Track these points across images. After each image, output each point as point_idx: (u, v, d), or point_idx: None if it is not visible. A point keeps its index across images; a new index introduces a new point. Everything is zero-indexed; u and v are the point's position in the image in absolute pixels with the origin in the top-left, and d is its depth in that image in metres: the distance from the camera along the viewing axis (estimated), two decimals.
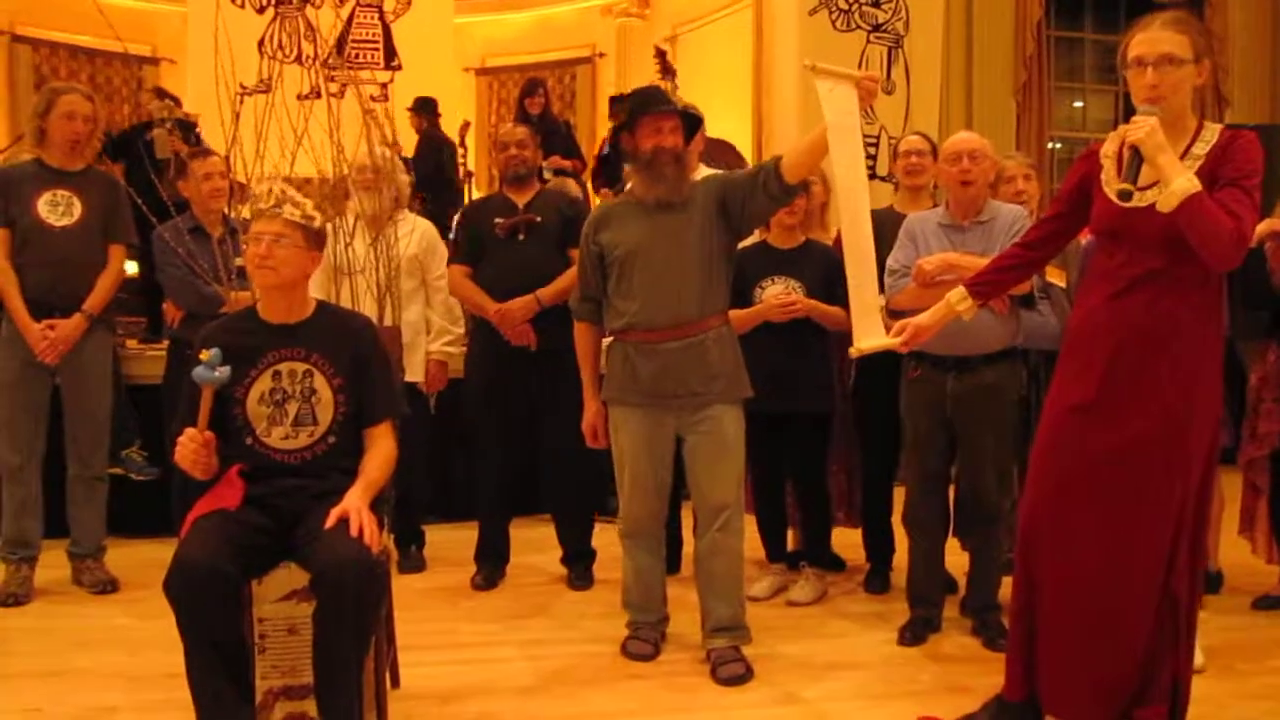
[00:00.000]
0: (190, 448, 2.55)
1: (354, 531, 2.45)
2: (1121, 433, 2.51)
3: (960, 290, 2.80)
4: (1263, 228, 3.80)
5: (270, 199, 2.68)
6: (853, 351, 2.94)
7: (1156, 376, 2.49)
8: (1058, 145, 8.17)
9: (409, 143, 6.94)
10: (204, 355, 2.53)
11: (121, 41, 5.53)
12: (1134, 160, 2.40)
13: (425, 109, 7.74)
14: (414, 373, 4.37)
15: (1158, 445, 2.49)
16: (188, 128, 6.22)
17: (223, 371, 2.54)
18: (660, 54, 7.46)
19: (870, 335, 2.93)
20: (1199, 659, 3.27)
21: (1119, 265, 2.52)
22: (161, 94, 6.89)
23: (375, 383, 2.75)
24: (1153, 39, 2.46)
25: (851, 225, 3.02)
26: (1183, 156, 2.46)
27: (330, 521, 2.48)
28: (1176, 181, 2.32)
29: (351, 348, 2.72)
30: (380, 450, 2.72)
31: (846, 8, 7.12)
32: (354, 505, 2.51)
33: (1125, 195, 2.41)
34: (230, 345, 2.60)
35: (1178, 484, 2.50)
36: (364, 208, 3.97)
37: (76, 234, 3.96)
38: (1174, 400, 2.48)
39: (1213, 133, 2.50)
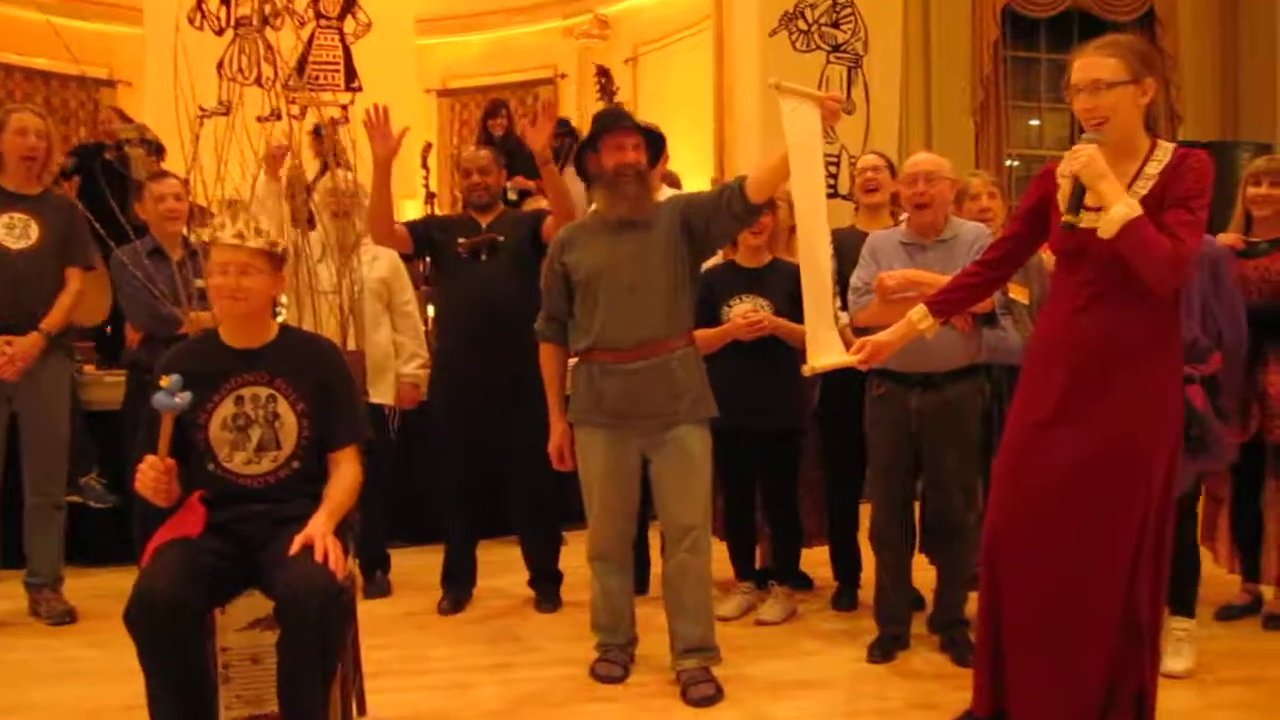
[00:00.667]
0: (151, 475, 2.51)
1: (319, 558, 2.42)
2: (1082, 449, 2.54)
3: (921, 308, 2.82)
4: (1225, 239, 3.86)
5: (233, 228, 2.64)
6: (806, 370, 2.93)
7: (1115, 393, 2.52)
8: (1015, 163, 8.27)
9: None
10: (164, 381, 2.50)
11: (79, 64, 5.47)
12: (1076, 189, 2.45)
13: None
14: (381, 395, 4.34)
15: (1118, 461, 2.52)
16: (156, 149, 6.17)
17: (183, 398, 2.51)
18: (602, 73, 7.47)
19: (826, 353, 2.92)
20: (1188, 662, 3.31)
21: (1078, 284, 2.56)
22: (123, 116, 6.82)
23: (339, 407, 2.72)
24: (1084, 64, 2.52)
25: (808, 244, 3.02)
26: (1135, 177, 2.51)
27: (294, 548, 2.44)
28: (1115, 208, 2.37)
29: (315, 371, 2.70)
30: (344, 475, 2.70)
31: (806, 28, 7.20)
32: (318, 531, 2.49)
33: (1069, 227, 2.47)
34: (192, 370, 2.57)
35: (1139, 499, 2.53)
36: (330, 232, 3.95)
37: (34, 257, 3.92)
38: (1133, 416, 2.52)
39: (1165, 152, 2.53)
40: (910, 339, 2.85)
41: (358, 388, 2.87)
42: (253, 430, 2.64)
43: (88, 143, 6.91)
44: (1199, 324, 3.30)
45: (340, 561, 2.46)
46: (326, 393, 2.70)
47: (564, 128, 6.82)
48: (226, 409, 2.63)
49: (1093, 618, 2.56)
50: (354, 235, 4.25)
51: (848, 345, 3.00)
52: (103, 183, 4.86)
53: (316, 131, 5.34)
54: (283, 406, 2.66)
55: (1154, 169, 2.52)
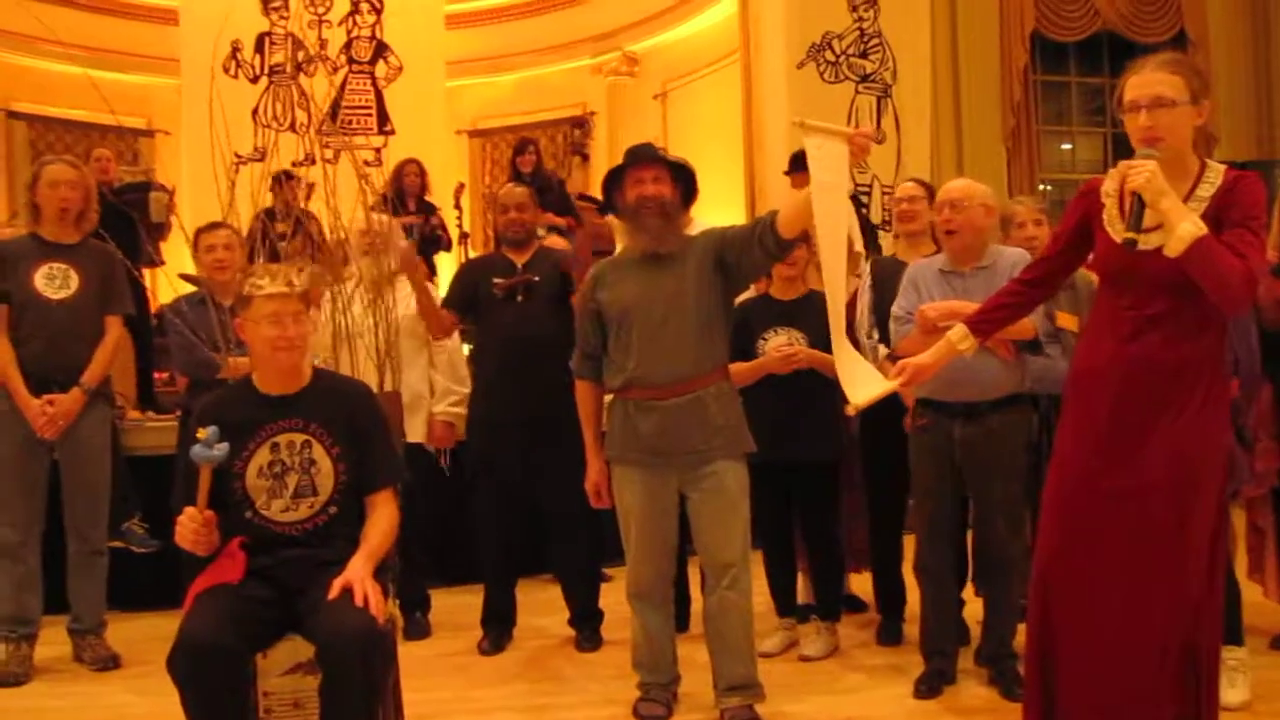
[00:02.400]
0: (190, 527, 2.52)
1: (358, 601, 2.42)
2: (1131, 478, 2.49)
3: (961, 328, 2.78)
4: None
5: (280, 278, 2.66)
6: (850, 410, 2.89)
7: (1165, 421, 2.47)
8: (1048, 188, 8.22)
9: None
10: (201, 434, 2.51)
11: (116, 115, 5.57)
12: (1136, 206, 2.39)
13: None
14: (416, 434, 4.35)
15: (1167, 490, 2.46)
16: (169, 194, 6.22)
17: (220, 449, 2.51)
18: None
19: (865, 386, 2.88)
20: (1243, 693, 3.22)
21: (1125, 308, 2.51)
22: (128, 159, 6.84)
23: (375, 450, 2.73)
24: (1145, 81, 2.47)
25: (833, 283, 2.99)
26: (1186, 199, 2.45)
27: (334, 593, 2.44)
28: (1182, 226, 2.31)
29: (349, 416, 2.71)
30: (382, 517, 2.70)
31: (834, 59, 7.21)
32: (357, 575, 2.48)
33: (1130, 244, 2.39)
34: (227, 419, 2.58)
35: (1190, 529, 2.47)
36: (364, 272, 3.98)
37: (73, 306, 3.95)
38: (1183, 445, 2.46)
39: (1217, 174, 2.49)
40: (950, 359, 2.81)
41: (393, 429, 2.86)
42: (289, 477, 2.64)
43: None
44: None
45: (380, 605, 2.46)
46: (362, 437, 2.70)
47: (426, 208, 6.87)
48: (262, 457, 2.64)
49: (1147, 650, 2.49)
50: (387, 272, 4.29)
51: (884, 373, 2.97)
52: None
53: (278, 179, 5.37)
54: (318, 452, 2.66)
55: (1206, 190, 2.47)
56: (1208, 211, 2.43)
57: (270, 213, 4.03)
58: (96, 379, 3.97)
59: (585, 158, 7.69)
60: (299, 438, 2.66)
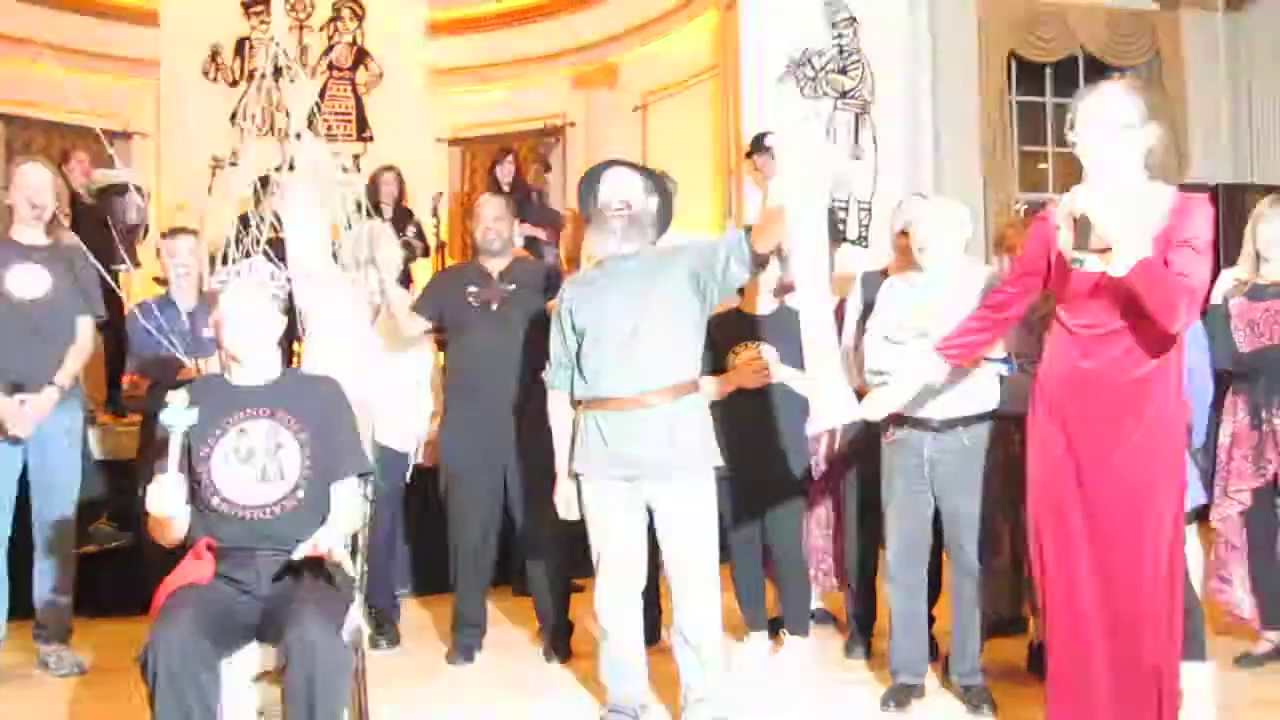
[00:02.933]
0: (164, 490, 2.52)
1: (312, 551, 2.48)
2: (1093, 495, 2.54)
3: (933, 354, 2.82)
4: (1228, 279, 3.86)
5: (248, 274, 2.75)
6: (809, 430, 2.93)
7: (1122, 436, 2.52)
8: (1024, 207, 8.28)
9: None
10: (171, 399, 2.54)
11: (93, 116, 5.55)
12: (1082, 229, 2.45)
13: None
14: (393, 439, 4.34)
15: (1126, 507, 2.52)
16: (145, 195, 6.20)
17: (190, 414, 2.55)
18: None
19: (832, 412, 2.91)
20: (1208, 713, 3.25)
21: (1081, 327, 2.57)
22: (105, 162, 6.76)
23: (340, 438, 2.77)
24: (1098, 104, 2.54)
25: (809, 298, 3.02)
26: (1134, 221, 2.49)
27: (298, 554, 2.49)
28: (1126, 248, 2.38)
29: (316, 404, 2.77)
30: (344, 499, 2.75)
31: (813, 75, 7.25)
32: (321, 537, 2.54)
33: (1077, 263, 2.47)
34: (199, 405, 2.60)
35: (1148, 544, 2.51)
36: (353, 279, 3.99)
37: (45, 307, 3.93)
38: (1142, 459, 2.51)
39: (1165, 196, 2.55)
40: (917, 387, 2.85)
41: (358, 423, 2.89)
42: (255, 461, 2.67)
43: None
44: None
45: (334, 554, 2.53)
46: (327, 425, 2.75)
47: None
48: (230, 442, 2.67)
49: (1120, 661, 2.54)
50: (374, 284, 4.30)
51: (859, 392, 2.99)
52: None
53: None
54: (285, 437, 2.70)
55: (1155, 213, 2.52)
56: (1157, 233, 2.48)
57: (245, 219, 4.07)
58: (69, 379, 3.95)
59: (548, 167, 7.69)
60: (266, 423, 2.71)
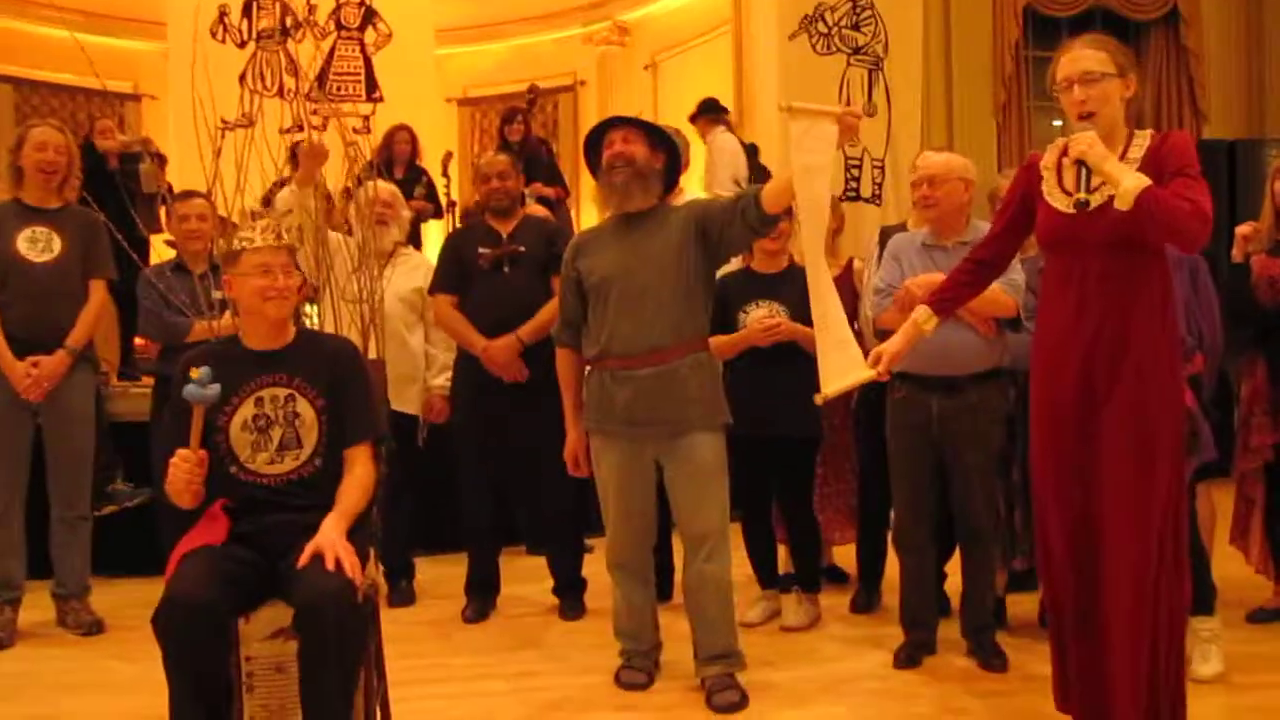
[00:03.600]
0: (184, 468, 2.52)
1: (330, 566, 2.42)
2: (1095, 443, 2.56)
3: (924, 309, 2.85)
4: (1240, 230, 3.83)
5: (269, 231, 2.68)
6: (818, 398, 2.91)
7: (1125, 385, 2.54)
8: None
9: None
10: (194, 373, 2.51)
11: (101, 79, 5.53)
12: (1083, 173, 2.50)
13: None
14: (411, 404, 4.35)
15: (1121, 456, 2.53)
16: (162, 161, 6.18)
17: (213, 389, 2.52)
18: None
19: (839, 375, 2.90)
20: (1217, 665, 3.26)
21: (1070, 273, 2.60)
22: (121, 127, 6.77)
23: (354, 403, 2.73)
24: (1073, 59, 2.60)
25: (814, 267, 2.99)
26: (1121, 161, 2.54)
27: (304, 559, 2.45)
28: (1127, 180, 2.41)
29: (331, 367, 2.72)
30: (357, 475, 2.69)
31: (826, 31, 7.15)
32: (328, 539, 2.48)
33: (1082, 204, 2.51)
34: (215, 373, 2.57)
35: (1150, 495, 2.52)
36: (367, 242, 3.96)
37: (56, 270, 3.94)
38: (1138, 411, 2.53)
39: (1145, 138, 2.60)
40: (917, 341, 2.87)
41: (374, 387, 2.86)
42: (273, 430, 2.66)
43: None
44: (1182, 325, 3.30)
45: (355, 567, 2.46)
46: (341, 387, 2.71)
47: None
48: (247, 410, 2.65)
49: (1122, 620, 2.54)
50: (390, 244, 4.29)
51: (866, 351, 2.98)
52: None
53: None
54: (302, 405, 2.68)
55: (1137, 153, 2.58)
56: (1143, 170, 2.51)
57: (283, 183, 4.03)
58: (80, 341, 3.97)
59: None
60: (283, 392, 2.67)
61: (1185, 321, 3.34)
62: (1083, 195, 2.50)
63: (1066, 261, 2.62)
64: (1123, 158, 2.56)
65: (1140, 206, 2.40)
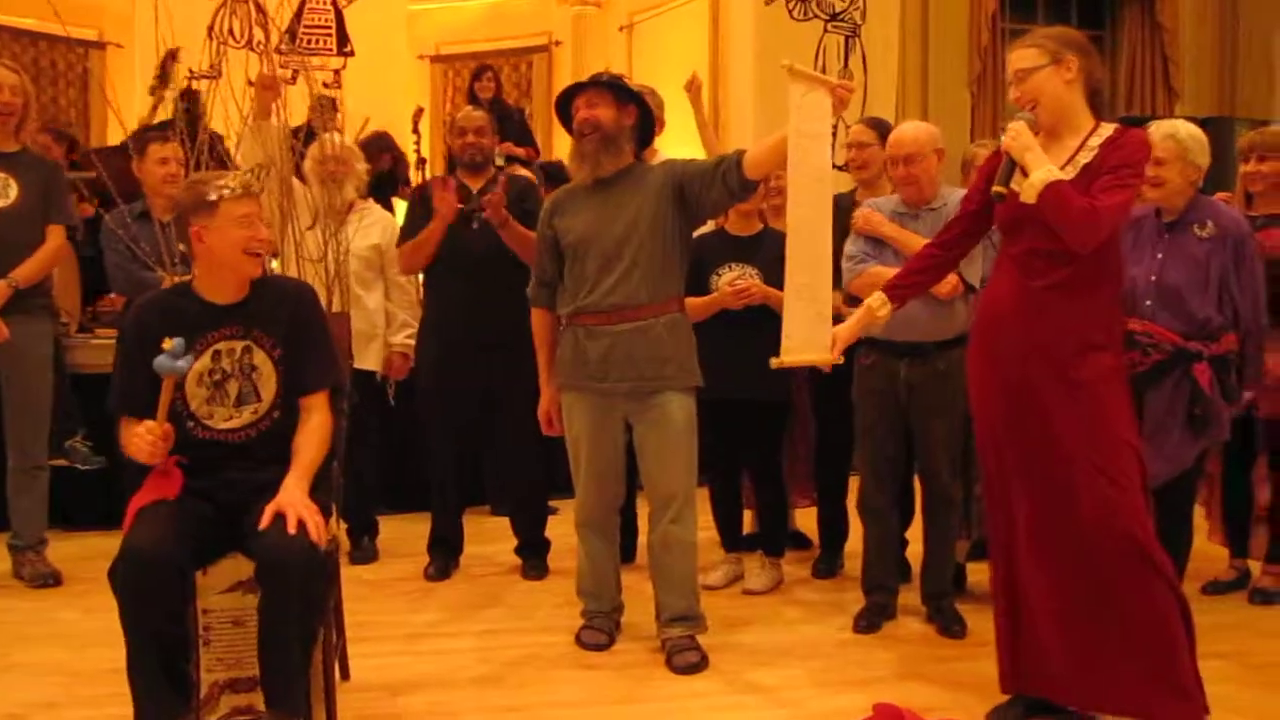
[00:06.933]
0: (148, 440, 2.47)
1: (292, 528, 2.39)
2: (1026, 426, 2.64)
3: (880, 295, 2.87)
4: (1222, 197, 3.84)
5: (243, 181, 2.61)
6: (774, 362, 2.86)
7: (1051, 364, 2.61)
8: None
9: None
10: (167, 344, 2.45)
11: (64, 25, 5.41)
12: (1006, 164, 2.58)
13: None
14: (370, 361, 4.31)
15: (1055, 436, 2.60)
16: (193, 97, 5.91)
17: (185, 361, 2.47)
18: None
19: (802, 349, 2.90)
20: None
21: (1020, 251, 2.66)
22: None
23: (312, 349, 2.67)
24: (1010, 61, 2.72)
25: (806, 235, 2.94)
26: (1077, 150, 2.62)
27: (265, 520, 2.41)
28: (1035, 174, 2.51)
29: (289, 313, 2.66)
30: (314, 425, 2.64)
31: None
32: (290, 500, 2.45)
33: (998, 197, 2.58)
34: (169, 326, 2.52)
35: (1088, 474, 2.56)
36: (319, 199, 3.90)
37: (13, 215, 3.86)
38: (1073, 385, 2.59)
39: (1107, 129, 2.64)
40: (869, 325, 2.90)
41: (332, 335, 2.79)
42: (229, 385, 2.60)
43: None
44: (1214, 303, 3.35)
45: (320, 527, 2.44)
46: (298, 332, 2.65)
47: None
48: (202, 364, 2.58)
49: (1072, 590, 2.60)
50: (342, 201, 4.22)
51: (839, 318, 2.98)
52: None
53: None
54: (259, 357, 2.62)
55: (1095, 142, 2.63)
56: (1094, 161, 2.60)
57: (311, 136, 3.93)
58: (28, 278, 3.87)
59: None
60: (239, 344, 2.61)
61: (1217, 299, 3.34)
62: (999, 188, 2.57)
63: (1014, 240, 2.69)
64: (1081, 147, 2.62)
65: (1042, 200, 2.50)
